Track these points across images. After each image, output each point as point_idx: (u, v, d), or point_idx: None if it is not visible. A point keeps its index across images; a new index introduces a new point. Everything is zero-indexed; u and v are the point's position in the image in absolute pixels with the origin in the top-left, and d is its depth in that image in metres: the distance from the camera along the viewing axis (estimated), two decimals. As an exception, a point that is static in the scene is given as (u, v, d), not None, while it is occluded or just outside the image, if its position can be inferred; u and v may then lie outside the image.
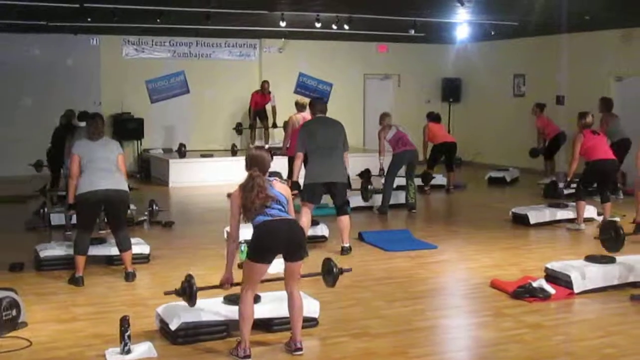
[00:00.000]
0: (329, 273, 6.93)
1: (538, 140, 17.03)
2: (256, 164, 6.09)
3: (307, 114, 12.37)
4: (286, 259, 6.08)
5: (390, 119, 13.64)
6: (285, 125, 14.42)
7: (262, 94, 18.47)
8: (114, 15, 13.43)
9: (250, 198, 5.94)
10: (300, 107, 13.43)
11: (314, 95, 18.55)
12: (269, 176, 6.22)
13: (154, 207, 11.62)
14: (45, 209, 11.64)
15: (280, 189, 6.18)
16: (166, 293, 6.66)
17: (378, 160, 13.48)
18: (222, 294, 6.82)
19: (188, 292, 6.44)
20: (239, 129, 19.17)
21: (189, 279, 6.47)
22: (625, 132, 14.47)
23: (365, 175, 14.07)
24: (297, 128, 12.88)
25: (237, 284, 6.25)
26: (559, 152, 16.86)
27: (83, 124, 11.79)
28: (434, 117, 16.13)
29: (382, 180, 13.46)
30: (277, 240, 5.97)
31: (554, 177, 15.75)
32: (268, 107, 18.66)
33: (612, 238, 8.46)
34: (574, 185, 12.07)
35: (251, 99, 18.61)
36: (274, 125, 18.60)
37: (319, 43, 20.09)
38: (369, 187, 13.33)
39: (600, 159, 11.57)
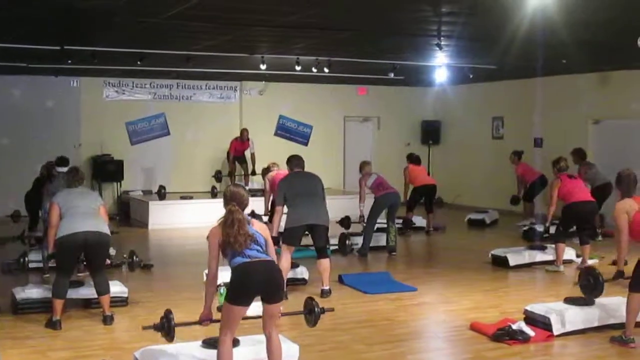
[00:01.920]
0: (311, 312, 6.90)
1: (518, 187, 17.12)
2: (234, 200, 6.12)
3: (282, 171, 12.33)
4: (264, 301, 6.05)
5: (370, 167, 13.69)
6: (265, 171, 14.42)
7: (242, 141, 18.55)
8: (95, 58, 13.46)
9: (232, 234, 5.93)
10: (272, 166, 13.40)
11: (293, 137, 18.69)
12: (248, 216, 6.22)
13: (134, 257, 11.45)
14: (26, 259, 11.48)
15: (259, 228, 6.17)
16: (144, 328, 6.61)
17: (358, 207, 13.51)
18: (201, 337, 6.78)
19: (166, 327, 6.38)
20: (218, 176, 19.17)
21: (167, 314, 6.42)
22: (605, 177, 14.50)
23: (345, 222, 14.10)
24: (272, 181, 12.78)
25: (217, 321, 6.19)
26: (538, 195, 16.93)
27: (61, 169, 11.83)
28: (414, 159, 16.21)
29: (362, 226, 13.45)
30: (255, 282, 5.94)
31: (533, 219, 15.83)
32: (247, 153, 18.72)
33: (590, 284, 8.51)
34: (552, 230, 12.16)
35: (230, 145, 18.68)
36: (253, 173, 18.60)
37: (299, 85, 20.19)
38: (347, 242, 13.31)
39: (578, 201, 11.66)
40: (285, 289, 9.55)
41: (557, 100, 17.99)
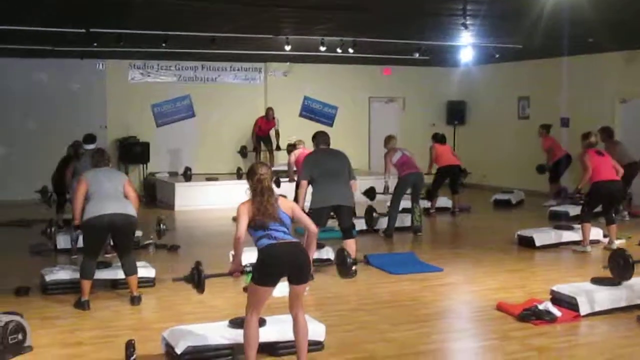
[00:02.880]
0: (343, 263, 6.92)
1: (548, 159, 17.00)
2: (257, 174, 6.14)
3: (305, 150, 12.37)
4: (291, 282, 6.07)
5: (395, 141, 13.68)
6: (289, 147, 14.46)
7: (267, 120, 18.58)
8: (120, 40, 13.51)
9: (262, 202, 5.97)
10: (292, 146, 13.41)
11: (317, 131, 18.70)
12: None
13: (162, 225, 11.46)
14: (52, 229, 11.64)
15: (285, 207, 6.17)
16: (174, 280, 6.68)
17: (383, 179, 13.51)
18: (228, 317, 6.82)
19: (196, 278, 6.42)
20: (243, 152, 19.24)
21: (197, 265, 6.46)
22: (632, 156, 14.41)
23: (371, 193, 14.06)
24: (298, 156, 12.88)
25: (246, 272, 6.20)
26: (564, 176, 16.81)
27: (89, 146, 11.90)
28: (439, 138, 16.15)
29: (387, 203, 13.46)
30: (281, 263, 5.95)
31: (560, 199, 15.75)
32: (272, 131, 18.76)
33: (620, 266, 8.41)
34: (581, 197, 12.01)
35: (255, 124, 18.72)
36: (278, 148, 18.67)
37: (323, 66, 20.17)
38: (374, 214, 13.32)
39: (605, 180, 11.50)
40: (311, 270, 9.63)
41: (583, 79, 17.84)
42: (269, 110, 18.64)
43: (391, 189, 13.34)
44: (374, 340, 7.27)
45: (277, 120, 18.68)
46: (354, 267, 9.74)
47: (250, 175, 6.18)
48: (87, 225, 8.43)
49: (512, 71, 20.05)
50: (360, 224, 13.22)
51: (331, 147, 10.28)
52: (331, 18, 12.17)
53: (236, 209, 6.07)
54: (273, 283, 5.99)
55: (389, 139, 13.73)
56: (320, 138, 10.19)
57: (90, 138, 12.35)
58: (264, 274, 5.95)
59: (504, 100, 20.63)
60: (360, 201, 12.73)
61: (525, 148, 19.08)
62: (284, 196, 6.39)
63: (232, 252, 6.28)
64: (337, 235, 10.62)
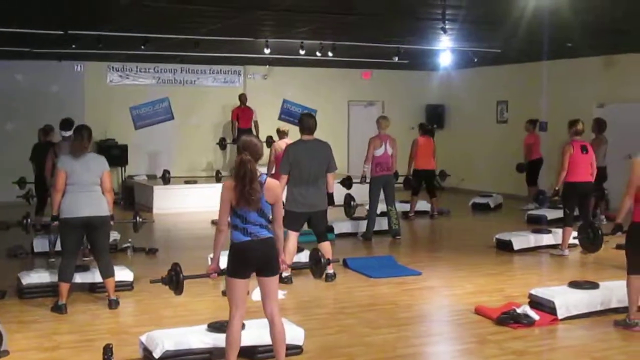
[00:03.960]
0: (317, 264, 6.91)
1: (525, 156, 17.07)
2: (247, 149, 5.94)
3: (288, 140, 12.33)
4: (260, 275, 6.02)
5: (386, 122, 13.35)
6: (269, 139, 14.40)
7: (243, 108, 18.63)
8: (99, 42, 13.45)
9: (245, 188, 5.78)
10: (281, 134, 13.36)
11: (303, 112, 18.81)
12: (264, 174, 6.02)
13: (138, 218, 11.30)
14: (29, 219, 11.34)
15: (269, 195, 5.95)
16: (152, 281, 6.64)
17: (362, 168, 13.39)
18: (207, 321, 6.80)
19: (175, 280, 6.39)
20: (222, 144, 19.25)
21: (175, 267, 6.42)
22: (604, 161, 14.38)
23: (347, 182, 14.01)
24: (279, 154, 12.85)
25: (223, 273, 6.14)
26: (540, 178, 16.92)
27: (66, 133, 11.26)
28: (426, 130, 16.03)
29: (366, 207, 13.45)
30: (250, 257, 5.93)
31: (537, 203, 15.81)
32: (252, 123, 18.84)
33: (590, 238, 8.38)
34: (560, 197, 12.01)
35: (232, 114, 18.85)
36: (256, 127, 18.76)
37: (303, 70, 20.19)
38: (352, 202, 13.30)
39: (577, 182, 11.50)
40: (290, 273, 9.62)
41: (562, 84, 17.97)
42: (242, 95, 18.84)
43: (368, 179, 13.25)
44: (353, 344, 7.27)
45: (254, 111, 18.77)
46: (331, 270, 9.80)
47: (237, 152, 6.01)
48: (64, 223, 8.36)
49: (491, 75, 20.13)
50: (340, 227, 13.24)
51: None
52: (310, 21, 12.17)
53: (215, 213, 6.01)
54: (244, 275, 5.95)
55: (382, 120, 13.41)
56: (305, 123, 9.78)
57: (67, 123, 11.55)
58: (235, 267, 5.94)
59: (483, 104, 20.73)
60: (339, 192, 12.63)
61: (503, 152, 19.17)
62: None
63: (211, 256, 6.25)
64: (314, 238, 10.59)
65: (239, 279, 5.95)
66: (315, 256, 6.94)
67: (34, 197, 13.46)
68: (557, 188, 12.01)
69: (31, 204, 13.46)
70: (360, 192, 13.94)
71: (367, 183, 13.30)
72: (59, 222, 8.43)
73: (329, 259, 6.92)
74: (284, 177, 9.63)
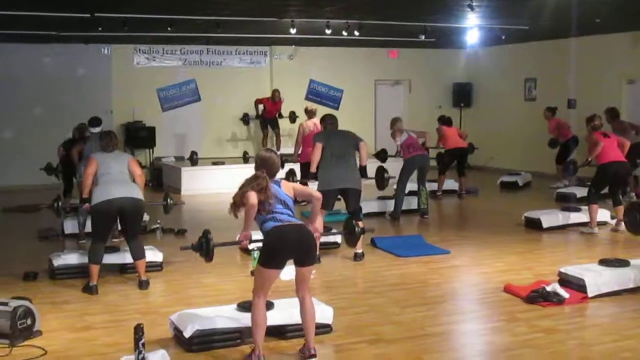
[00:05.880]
0: (351, 233, 6.94)
1: (557, 136, 16.96)
2: (264, 166, 6.15)
3: (317, 121, 12.43)
4: (297, 264, 6.08)
5: (400, 123, 13.64)
6: (292, 115, 14.40)
7: (273, 102, 18.61)
8: (125, 25, 13.49)
9: (248, 185, 6.01)
10: (310, 113, 13.43)
11: (324, 101, 18.79)
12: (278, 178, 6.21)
13: (169, 200, 11.36)
14: (59, 203, 11.44)
15: (288, 190, 6.17)
16: (182, 248, 6.69)
17: (395, 144, 13.50)
18: (236, 301, 6.84)
19: (205, 247, 6.43)
20: (245, 119, 19.35)
21: (206, 234, 6.47)
22: (637, 136, 14.38)
23: (382, 154, 13.99)
24: (307, 134, 12.91)
25: (257, 241, 6.22)
26: (571, 157, 16.77)
27: (94, 129, 11.78)
28: (445, 121, 16.11)
29: (394, 186, 13.43)
30: (287, 245, 5.96)
31: (567, 181, 15.72)
32: (277, 114, 18.83)
33: (637, 220, 8.34)
34: (589, 181, 11.97)
35: (260, 102, 18.84)
36: (280, 116, 18.86)
37: (329, 49, 20.13)
38: (385, 175, 13.29)
39: (612, 162, 11.50)
40: (318, 253, 9.63)
41: (590, 60, 17.79)
42: (275, 92, 18.69)
43: (397, 179, 13.28)
44: (381, 322, 7.28)
45: (282, 103, 18.75)
46: (360, 249, 9.81)
47: (255, 166, 6.23)
48: (96, 209, 8.45)
49: (518, 53, 19.98)
50: (368, 207, 13.22)
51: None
52: (336, 0, 12.12)
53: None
54: (279, 265, 6.00)
55: (394, 121, 13.68)
56: (328, 121, 10.22)
57: (95, 121, 12.16)
58: (271, 256, 5.96)
59: (511, 82, 20.57)
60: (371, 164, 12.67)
61: (531, 130, 19.03)
62: (292, 172, 6.38)
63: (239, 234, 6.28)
64: (344, 218, 10.58)
65: (272, 269, 5.98)
66: (350, 225, 6.98)
67: (58, 168, 13.46)
68: (590, 159, 11.94)
69: (59, 180, 13.45)
70: (392, 168, 13.94)
71: (401, 157, 13.37)
72: (91, 208, 8.53)
73: (363, 228, 6.96)
74: (319, 146, 9.88)
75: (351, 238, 6.97)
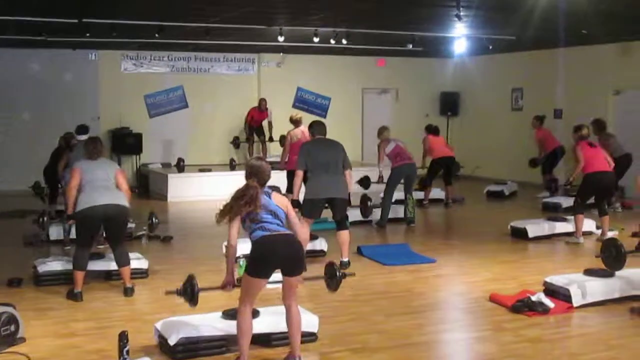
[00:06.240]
0: (332, 277, 6.91)
1: (540, 152, 16.98)
2: (255, 175, 6.11)
3: (304, 128, 12.43)
4: (284, 274, 6.07)
5: (388, 132, 13.68)
6: (282, 139, 14.44)
7: (259, 111, 18.58)
8: (113, 30, 13.46)
9: (237, 204, 5.95)
10: (295, 122, 13.40)
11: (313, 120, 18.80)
12: (268, 189, 6.21)
13: (154, 219, 11.58)
14: (45, 218, 11.65)
15: (279, 202, 6.17)
16: (167, 292, 6.64)
17: (377, 169, 13.54)
18: (221, 309, 6.82)
19: (189, 292, 6.41)
20: (236, 142, 19.31)
21: (190, 279, 6.44)
22: (624, 148, 14.43)
23: (365, 182, 14.07)
24: (295, 142, 12.90)
25: (239, 286, 6.19)
26: (557, 167, 16.82)
27: (81, 137, 11.80)
28: (432, 130, 16.14)
29: (381, 194, 13.47)
30: (275, 255, 5.95)
31: (553, 177, 15.85)
32: (265, 122, 18.76)
33: (612, 256, 8.43)
34: (574, 192, 12.02)
35: (248, 114, 18.72)
36: (270, 139, 18.69)
37: (317, 57, 20.15)
38: (368, 203, 13.33)
39: (597, 172, 11.53)
40: (304, 262, 9.61)
41: (577, 71, 17.87)
42: (262, 101, 18.65)
43: (385, 178, 13.36)
44: (367, 331, 7.28)
45: (270, 112, 18.68)
46: (346, 258, 9.80)
47: (246, 174, 6.18)
48: (80, 215, 8.41)
49: (505, 62, 20.06)
50: (353, 215, 13.22)
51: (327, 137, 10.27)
52: (324, 9, 12.14)
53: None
54: (266, 275, 6.00)
55: (382, 130, 13.73)
56: (316, 128, 10.14)
57: (82, 129, 12.27)
58: (258, 265, 5.95)
59: (498, 92, 20.65)
60: (355, 191, 12.72)
61: (518, 139, 19.08)
62: (277, 189, 6.37)
63: (225, 244, 6.26)
64: (330, 226, 10.61)
65: (259, 279, 5.97)
66: (331, 270, 6.94)
67: (45, 192, 13.56)
68: (571, 179, 12.03)
69: (45, 202, 13.51)
70: (377, 191, 14.00)
71: (384, 183, 13.36)
72: (76, 215, 8.49)
73: (344, 273, 6.93)
74: (300, 174, 9.83)
75: (332, 282, 6.94)
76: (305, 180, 10.02)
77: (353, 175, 10.14)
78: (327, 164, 9.67)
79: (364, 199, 13.41)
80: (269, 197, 6.11)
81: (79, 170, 8.56)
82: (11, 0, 11.15)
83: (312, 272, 9.25)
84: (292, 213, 6.27)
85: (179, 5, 11.73)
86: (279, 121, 18.34)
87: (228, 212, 6.00)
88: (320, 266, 9.50)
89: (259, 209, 5.95)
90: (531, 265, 10.43)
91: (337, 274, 6.88)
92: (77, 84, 18.55)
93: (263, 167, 6.21)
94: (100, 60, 18.81)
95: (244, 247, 6.79)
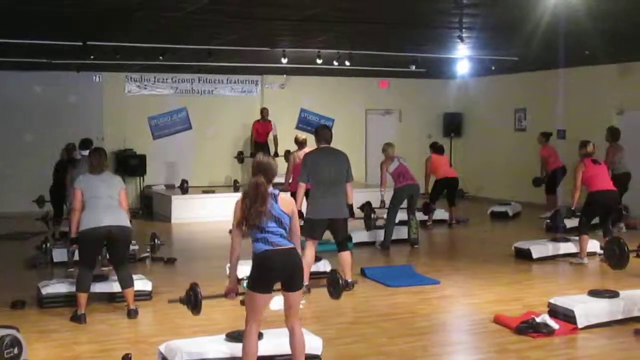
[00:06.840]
0: (334, 285, 6.89)
1: (542, 170, 16.94)
2: (262, 171, 6.03)
3: (307, 150, 12.38)
4: (285, 289, 6.04)
5: (393, 149, 13.56)
6: (287, 154, 14.41)
7: (263, 122, 18.62)
8: (117, 53, 13.53)
9: (252, 208, 5.87)
10: (300, 144, 13.36)
11: (319, 125, 18.81)
12: (275, 189, 6.11)
13: (156, 241, 11.58)
14: (48, 244, 11.67)
15: (284, 205, 6.05)
16: (170, 301, 6.63)
17: (379, 192, 13.45)
18: (225, 331, 6.81)
19: (193, 300, 6.39)
20: (240, 157, 19.31)
21: (194, 287, 6.42)
22: (627, 166, 14.45)
23: (367, 207, 14.05)
24: (298, 163, 12.88)
25: (242, 294, 6.18)
26: (560, 187, 16.80)
27: (85, 152, 11.72)
28: (437, 149, 16.11)
29: (384, 215, 13.45)
30: (275, 269, 5.92)
31: (556, 209, 15.74)
32: (270, 137, 18.79)
33: (616, 255, 8.38)
34: (578, 215, 12.01)
35: (252, 128, 18.78)
36: (276, 155, 18.67)
37: (320, 79, 20.21)
38: (372, 215, 13.29)
39: (601, 190, 11.50)
40: (308, 282, 9.60)
41: (580, 91, 17.90)
42: (264, 110, 18.73)
43: (387, 204, 13.29)
44: (371, 353, 7.25)
45: (274, 125, 18.74)
46: (350, 279, 9.77)
47: (252, 171, 6.12)
48: (83, 236, 8.40)
49: (508, 83, 20.10)
50: (357, 237, 13.22)
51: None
52: (327, 31, 12.19)
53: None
54: (267, 289, 5.96)
55: (386, 147, 13.61)
56: (321, 134, 9.91)
57: (86, 143, 12.14)
58: (258, 280, 5.93)
59: (501, 112, 20.67)
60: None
61: (522, 160, 19.10)
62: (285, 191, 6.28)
63: (229, 265, 6.26)
64: (333, 247, 10.58)
65: (261, 294, 5.95)
66: (334, 278, 6.90)
67: (51, 220, 13.59)
68: (573, 209, 12.04)
69: (50, 228, 13.54)
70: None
71: (385, 208, 13.31)
72: (79, 235, 8.45)
73: (347, 281, 6.89)
74: (302, 186, 9.72)
75: (334, 290, 6.91)
76: (306, 194, 9.97)
77: (352, 196, 10.02)
78: (330, 182, 9.52)
79: (367, 212, 13.34)
80: (275, 201, 6.01)
81: (80, 191, 8.48)
82: (16, 24, 11.21)
83: (316, 294, 9.28)
84: (297, 218, 6.20)
85: (181, 28, 11.77)
86: (283, 142, 18.38)
87: (245, 217, 5.92)
88: (324, 288, 9.51)
89: (265, 214, 5.88)
90: (535, 286, 10.41)
91: (340, 281, 6.85)
92: (82, 106, 18.60)
93: (271, 164, 6.13)
94: (104, 82, 18.88)
95: (245, 269, 6.74)
